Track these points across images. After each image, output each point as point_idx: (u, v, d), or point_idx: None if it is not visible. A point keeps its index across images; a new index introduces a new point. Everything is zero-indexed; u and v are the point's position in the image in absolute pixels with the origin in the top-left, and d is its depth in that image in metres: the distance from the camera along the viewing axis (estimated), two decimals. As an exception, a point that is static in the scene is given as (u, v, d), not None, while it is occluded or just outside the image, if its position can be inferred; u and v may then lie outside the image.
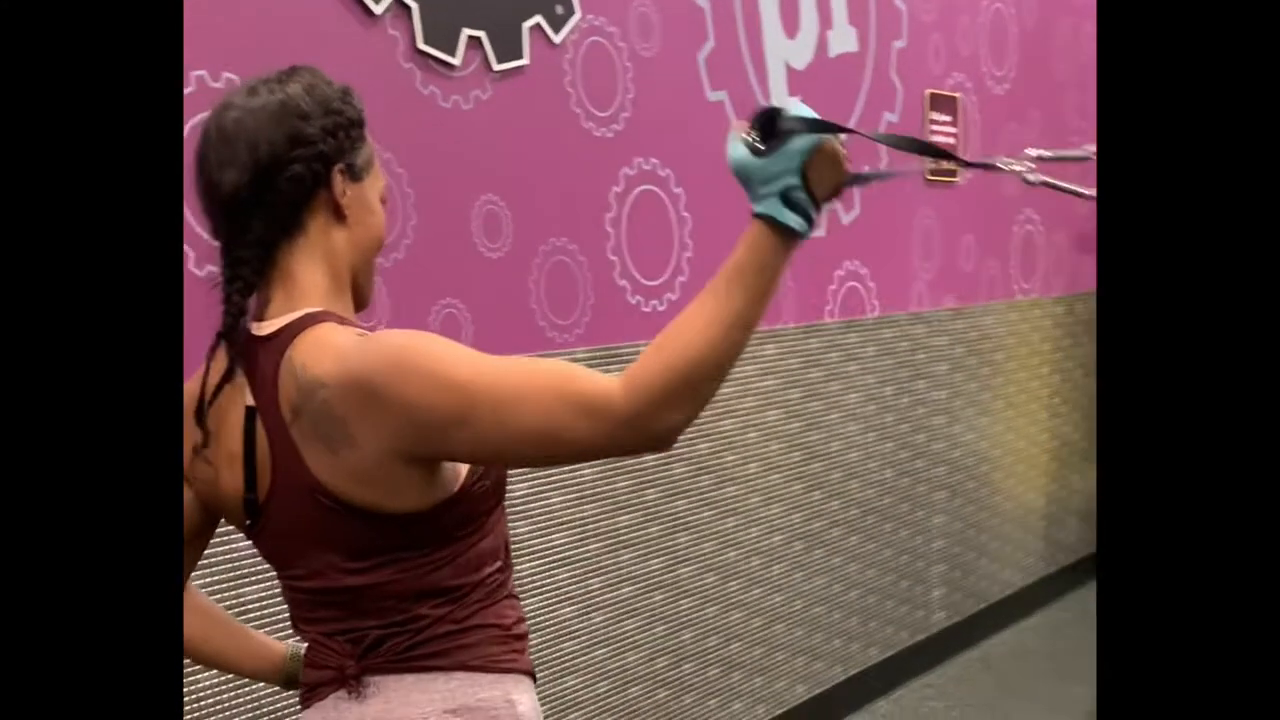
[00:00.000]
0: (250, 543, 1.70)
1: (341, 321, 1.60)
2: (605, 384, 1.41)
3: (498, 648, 1.66)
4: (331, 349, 1.53)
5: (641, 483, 3.65)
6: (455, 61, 3.02)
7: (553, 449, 1.44)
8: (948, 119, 4.82)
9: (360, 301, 1.70)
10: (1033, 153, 1.58)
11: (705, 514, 3.92)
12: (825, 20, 4.21)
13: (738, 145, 1.42)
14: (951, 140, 4.86)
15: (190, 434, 1.63)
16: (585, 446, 1.43)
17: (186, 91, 2.50)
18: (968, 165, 1.72)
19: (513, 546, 1.77)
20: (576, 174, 3.40)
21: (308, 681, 1.69)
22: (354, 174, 1.63)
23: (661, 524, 3.74)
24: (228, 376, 1.58)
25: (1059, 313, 5.74)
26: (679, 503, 3.81)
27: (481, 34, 3.09)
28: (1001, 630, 5.47)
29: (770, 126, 1.40)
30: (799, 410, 4.25)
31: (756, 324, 1.41)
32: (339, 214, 1.62)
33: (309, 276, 1.61)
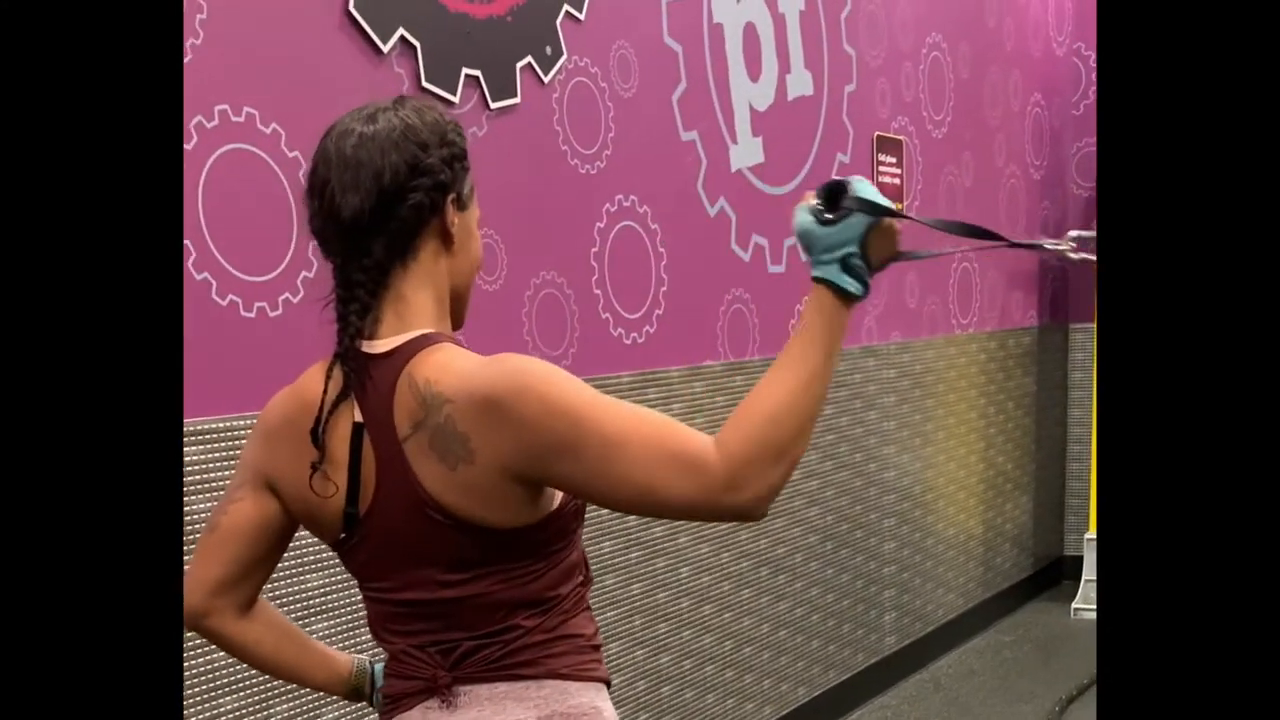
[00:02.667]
0: (336, 563, 1.74)
1: (455, 344, 1.67)
2: (705, 443, 1.49)
3: (582, 657, 1.72)
4: (456, 368, 1.60)
5: (622, 509, 3.74)
6: (455, 99, 3.13)
7: (652, 500, 1.51)
8: (893, 160, 5.01)
9: (456, 322, 1.76)
10: (1073, 233, 1.70)
11: (681, 539, 4.03)
12: (784, 64, 4.39)
13: (803, 213, 1.55)
14: (897, 181, 5.05)
15: (295, 451, 1.68)
16: (685, 504, 1.50)
17: (210, 125, 2.58)
18: (1015, 245, 1.88)
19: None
20: (564, 209, 3.51)
21: (392, 693, 1.73)
22: (461, 203, 1.69)
23: (641, 549, 3.84)
24: (345, 394, 1.64)
25: (992, 347, 5.95)
26: (656, 528, 3.91)
27: (478, 73, 3.20)
28: (947, 653, 5.63)
29: (834, 198, 1.54)
30: (763, 439, 4.38)
31: (828, 381, 1.51)
32: (448, 241, 1.68)
33: (419, 299, 1.67)
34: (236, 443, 2.63)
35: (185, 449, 2.54)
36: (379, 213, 1.61)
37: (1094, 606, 5.49)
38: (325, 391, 1.65)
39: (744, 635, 4.35)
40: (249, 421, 2.65)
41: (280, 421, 1.73)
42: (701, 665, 4.14)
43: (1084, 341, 6.61)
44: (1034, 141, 6.28)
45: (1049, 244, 1.70)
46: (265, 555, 1.78)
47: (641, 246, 3.82)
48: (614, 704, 1.76)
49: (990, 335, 5.92)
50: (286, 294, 2.73)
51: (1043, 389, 6.46)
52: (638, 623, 3.84)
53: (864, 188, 1.53)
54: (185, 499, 2.55)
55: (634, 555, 3.82)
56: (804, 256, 1.56)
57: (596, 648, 1.75)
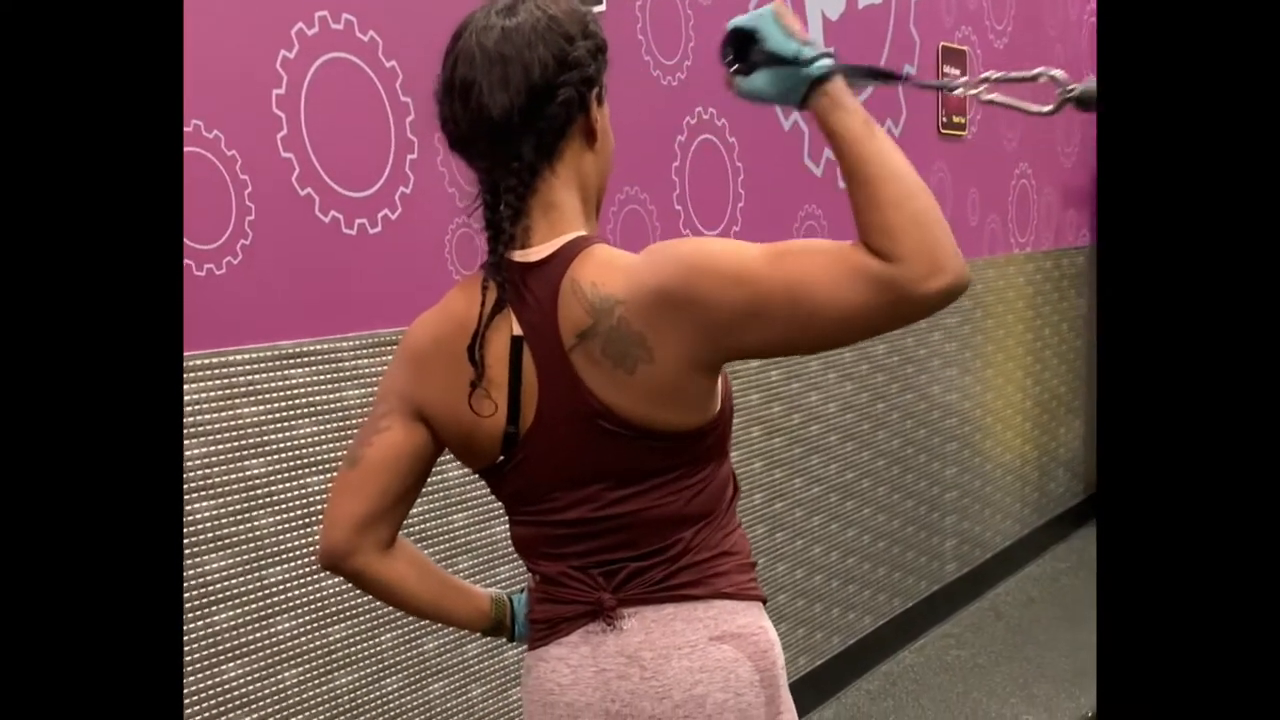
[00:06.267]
0: (480, 500, 1.65)
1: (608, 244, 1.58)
2: (872, 254, 1.37)
3: (743, 575, 1.65)
4: (620, 267, 1.50)
5: (703, 434, 3.63)
6: (542, 6, 2.98)
7: (853, 325, 1.39)
8: (958, 71, 4.86)
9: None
10: (987, 75, 1.64)
11: (755, 465, 3.92)
12: (855, -28, 4.23)
13: (740, 83, 1.49)
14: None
15: (448, 374, 1.58)
16: (886, 314, 1.37)
17: (310, 32, 2.44)
18: (923, 86, 1.82)
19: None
20: (647, 122, 3.38)
21: (547, 617, 1.65)
22: (600, 98, 1.60)
23: (718, 476, 3.73)
24: (500, 306, 1.54)
25: (1048, 267, 5.82)
26: (733, 453, 3.80)
27: (564, -22, 3.05)
28: (1004, 580, 5.55)
29: (742, 47, 1.48)
30: (834, 360, 4.27)
31: (893, 148, 1.40)
32: (591, 138, 1.59)
33: (568, 202, 1.57)
34: (340, 365, 2.51)
35: (288, 372, 2.42)
36: (528, 111, 1.51)
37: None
38: (483, 304, 1.54)
39: (815, 563, 4.25)
40: (353, 343, 2.53)
41: (429, 344, 1.62)
42: (775, 594, 4.05)
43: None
44: (1090, 53, 6.12)
45: (957, 86, 1.64)
46: (411, 488, 1.68)
47: (720, 161, 3.68)
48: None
49: (1045, 255, 5.79)
50: (385, 210, 2.60)
51: (1094, 310, 6.34)
52: (718, 550, 3.73)
53: (769, 31, 1.46)
54: (290, 424, 2.44)
55: (714, 481, 3.70)
56: (797, 109, 1.47)
57: (753, 565, 1.69)
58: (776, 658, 1.65)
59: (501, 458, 1.60)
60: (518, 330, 1.54)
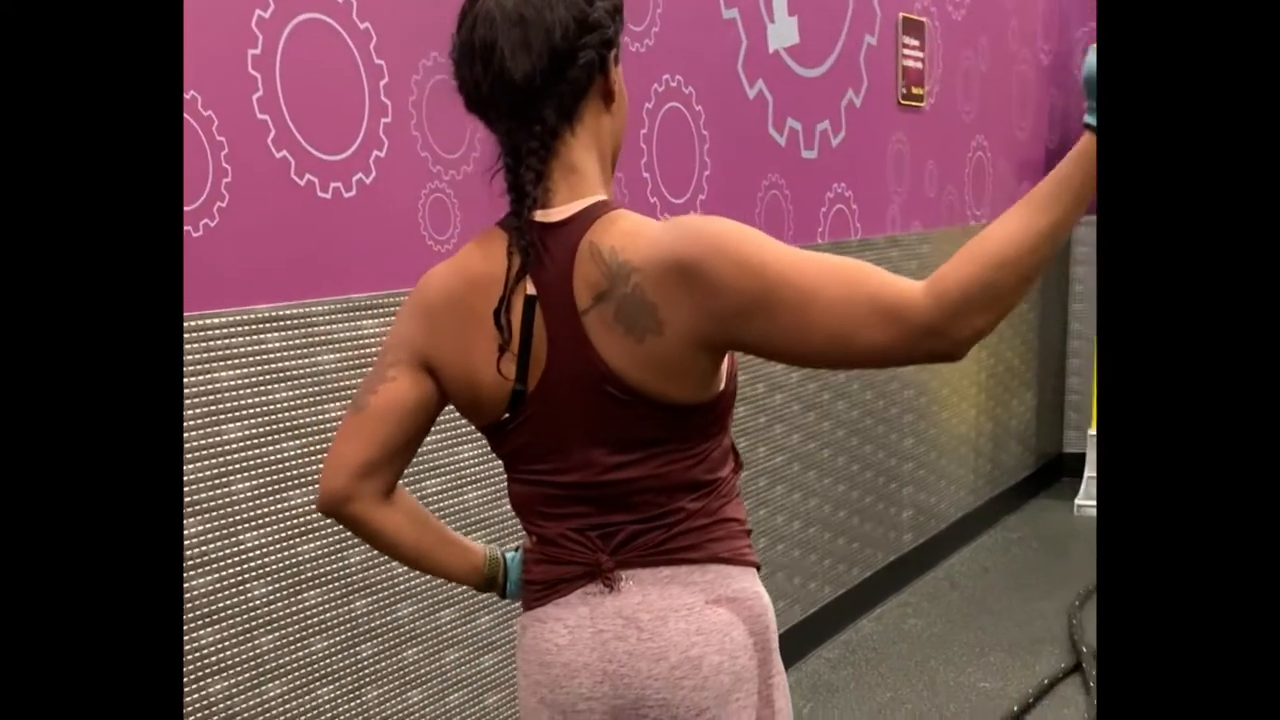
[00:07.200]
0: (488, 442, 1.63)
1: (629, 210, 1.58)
2: (908, 288, 1.39)
3: (739, 542, 1.67)
4: (642, 235, 1.50)
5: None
6: (513, -31, 2.95)
7: (845, 349, 1.42)
8: (916, 43, 4.87)
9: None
10: None
11: (720, 435, 3.92)
12: (819, -59, 4.22)
13: (1095, 54, 1.38)
14: (920, 65, 4.92)
15: (460, 330, 1.58)
16: (879, 350, 1.41)
17: (282, -10, 2.40)
18: None
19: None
20: (615, 89, 3.36)
21: (545, 578, 1.65)
22: (617, 59, 1.59)
23: (683, 445, 3.73)
24: (524, 269, 1.53)
25: (1002, 239, 5.84)
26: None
27: (535, -58, 3.02)
28: (958, 550, 5.59)
29: None
30: (796, 332, 4.27)
31: (1065, 235, 1.38)
32: (609, 100, 1.58)
33: (588, 164, 1.57)
34: (314, 329, 2.49)
35: (263, 337, 2.39)
36: (550, 74, 1.50)
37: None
38: (510, 267, 1.54)
39: (777, 532, 4.27)
40: (327, 307, 2.51)
41: (442, 298, 1.61)
42: (737, 562, 4.06)
43: (1087, 235, 6.52)
44: (1044, 24, 6.14)
45: None
46: (413, 437, 1.69)
47: (686, 129, 3.67)
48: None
49: (1000, 228, 5.81)
50: (360, 174, 2.57)
51: (1045, 283, 6.38)
52: (683, 519, 3.73)
53: None
54: (266, 388, 2.41)
55: (679, 450, 3.70)
56: (1086, 101, 1.40)
57: (749, 533, 1.70)
58: (770, 623, 1.67)
59: (506, 415, 1.60)
60: (532, 290, 1.54)
